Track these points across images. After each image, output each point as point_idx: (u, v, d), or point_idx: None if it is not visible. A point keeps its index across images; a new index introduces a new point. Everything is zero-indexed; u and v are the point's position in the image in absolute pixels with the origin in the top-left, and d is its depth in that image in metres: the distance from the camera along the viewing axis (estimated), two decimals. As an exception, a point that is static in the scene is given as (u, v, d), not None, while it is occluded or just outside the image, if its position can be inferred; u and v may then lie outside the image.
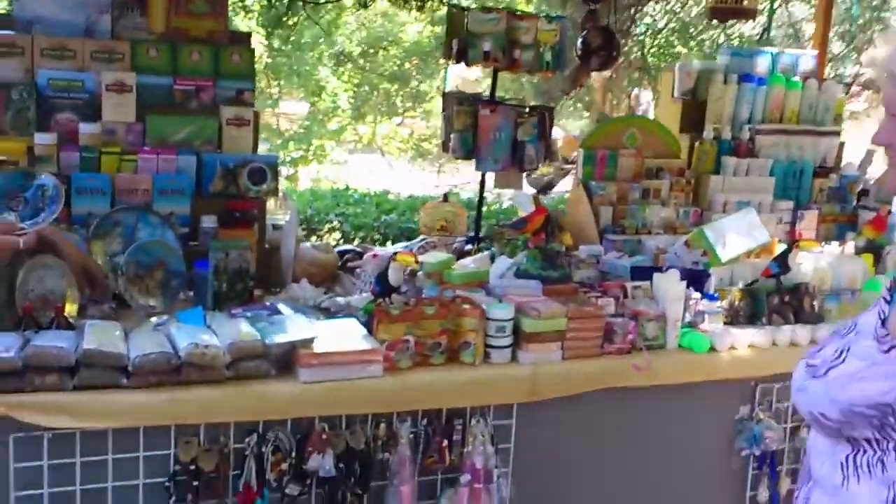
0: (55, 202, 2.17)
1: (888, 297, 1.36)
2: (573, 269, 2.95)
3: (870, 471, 1.35)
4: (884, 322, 1.34)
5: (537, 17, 3.09)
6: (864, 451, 1.37)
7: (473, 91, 4.24)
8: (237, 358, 2.14)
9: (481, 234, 3.35)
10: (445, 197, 3.59)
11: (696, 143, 3.86)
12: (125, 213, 2.73)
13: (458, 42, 3.00)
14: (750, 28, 11.24)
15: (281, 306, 2.54)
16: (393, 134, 15.04)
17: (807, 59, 4.17)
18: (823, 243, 3.44)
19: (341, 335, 2.33)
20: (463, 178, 12.47)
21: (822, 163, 4.06)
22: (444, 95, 3.27)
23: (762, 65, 4.02)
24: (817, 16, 4.58)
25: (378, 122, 14.74)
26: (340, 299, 2.63)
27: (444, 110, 3.23)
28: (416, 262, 2.56)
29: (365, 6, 3.32)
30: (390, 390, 2.29)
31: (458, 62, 3.09)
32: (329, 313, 2.57)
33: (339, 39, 13.45)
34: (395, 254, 2.45)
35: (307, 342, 2.23)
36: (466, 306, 2.42)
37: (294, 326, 2.31)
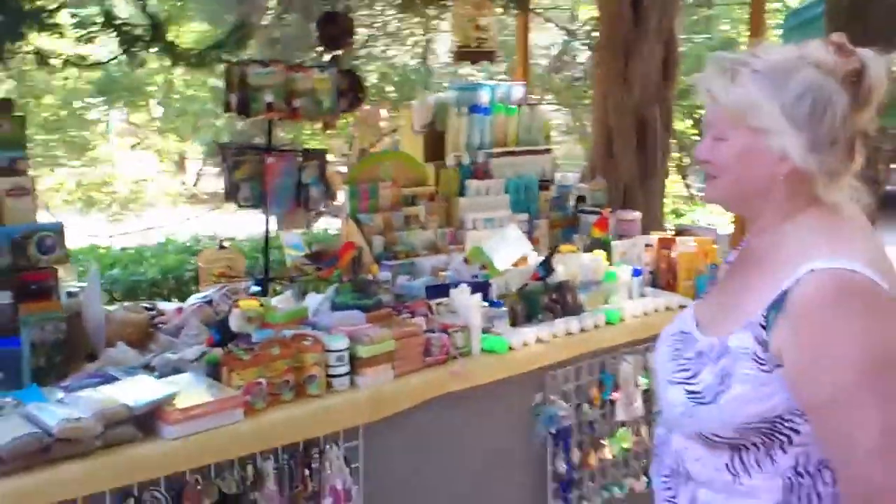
0: None
1: (764, 323, 1.47)
2: (371, 296, 3.18)
3: (759, 465, 1.50)
4: (763, 345, 1.46)
5: (311, 68, 3.29)
6: (749, 450, 1.51)
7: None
8: (106, 426, 2.13)
9: (271, 276, 3.46)
10: (221, 245, 3.65)
11: (441, 170, 4.27)
12: (-88, 301, 2.54)
13: (238, 95, 3.11)
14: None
15: (111, 371, 2.53)
16: (57, 186, 14.15)
17: (517, 88, 4.76)
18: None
19: (190, 388, 2.38)
20: (143, 224, 12.15)
21: (542, 177, 4.65)
22: (220, 147, 3.36)
23: (484, 97, 4.53)
24: (518, 49, 5.20)
25: (38, 175, 13.80)
26: (170, 355, 2.65)
27: (223, 161, 3.31)
28: (262, 307, 2.65)
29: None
30: (251, 432, 2.38)
31: (239, 115, 3.20)
32: (160, 371, 2.58)
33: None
34: (236, 301, 2.53)
35: (169, 399, 2.26)
36: (307, 342, 2.57)
37: (144, 387, 2.32)
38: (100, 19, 3.13)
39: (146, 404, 2.22)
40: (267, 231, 3.43)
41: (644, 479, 3.50)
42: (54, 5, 2.76)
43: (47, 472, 2.03)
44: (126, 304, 3.19)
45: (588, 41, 12.45)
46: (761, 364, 1.47)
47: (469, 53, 4.28)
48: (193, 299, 3.23)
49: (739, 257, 1.70)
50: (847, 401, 1.39)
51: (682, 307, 3.58)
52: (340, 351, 2.61)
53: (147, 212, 14.38)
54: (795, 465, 1.50)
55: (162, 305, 3.29)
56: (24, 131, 2.97)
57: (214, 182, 17.55)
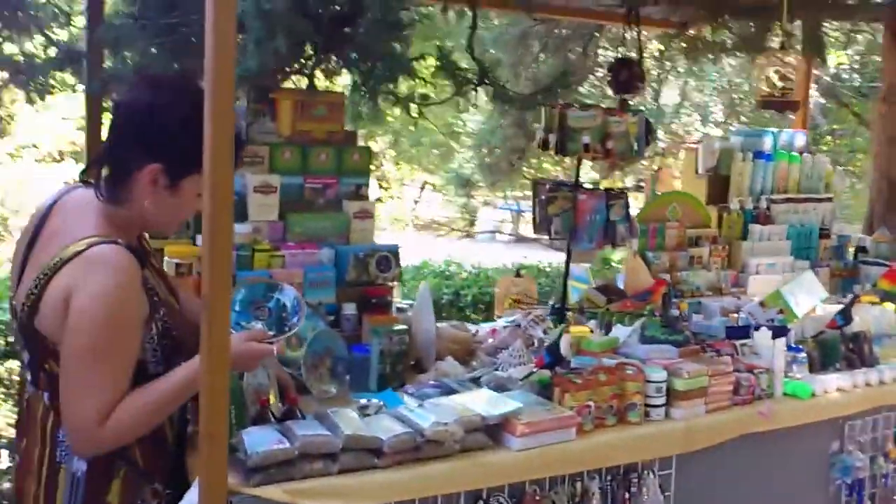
0: (297, 313, 2.33)
1: None
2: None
3: None
4: None
5: (624, 112, 3.48)
6: None
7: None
8: (465, 432, 2.36)
9: (567, 305, 3.63)
10: (518, 272, 3.90)
11: (725, 214, 4.33)
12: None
13: (557, 135, 3.35)
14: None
15: (448, 383, 2.78)
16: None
17: (799, 137, 4.74)
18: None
19: (526, 405, 2.58)
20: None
21: (822, 225, 4.59)
22: (535, 183, 3.60)
23: (768, 143, 4.55)
24: (798, 97, 5.16)
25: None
26: (499, 372, 2.87)
27: (535, 196, 3.55)
28: (591, 332, 2.84)
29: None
30: (581, 451, 2.55)
31: (556, 153, 3.43)
32: (486, 386, 2.80)
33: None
34: (567, 328, 2.71)
35: (517, 413, 2.47)
36: (629, 371, 2.72)
37: (486, 399, 2.54)
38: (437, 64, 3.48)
39: (498, 416, 2.43)
40: (567, 263, 3.62)
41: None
42: (417, 55, 3.10)
43: (416, 469, 2.28)
44: (453, 322, 3.47)
45: (833, 83, 11.96)
46: None
47: (773, 102, 4.32)
48: (503, 322, 3.46)
49: None
50: None
51: None
52: (659, 382, 2.74)
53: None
54: None
55: (472, 326, 3.55)
56: (369, 161, 3.32)
57: (433, 209, 18.46)
